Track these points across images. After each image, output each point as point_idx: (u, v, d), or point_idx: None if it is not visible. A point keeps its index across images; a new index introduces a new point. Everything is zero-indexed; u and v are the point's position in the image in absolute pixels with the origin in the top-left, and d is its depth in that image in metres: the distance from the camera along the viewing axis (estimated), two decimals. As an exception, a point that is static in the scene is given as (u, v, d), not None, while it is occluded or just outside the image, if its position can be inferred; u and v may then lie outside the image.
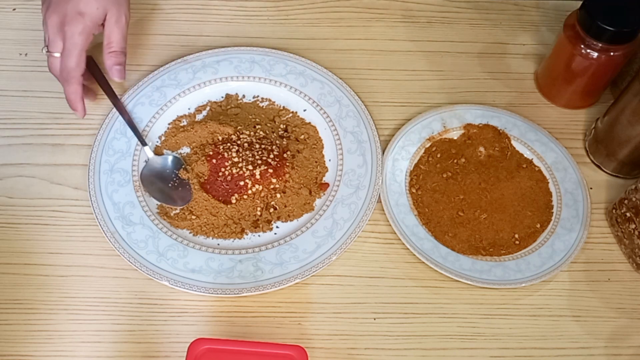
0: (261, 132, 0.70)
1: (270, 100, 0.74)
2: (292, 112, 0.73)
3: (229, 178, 0.66)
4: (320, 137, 0.72)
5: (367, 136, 0.71)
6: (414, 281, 0.64)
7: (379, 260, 0.65)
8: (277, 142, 0.70)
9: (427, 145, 0.71)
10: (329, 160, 0.70)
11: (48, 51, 0.66)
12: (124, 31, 0.68)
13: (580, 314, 0.63)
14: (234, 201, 0.66)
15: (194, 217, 0.65)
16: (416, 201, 0.67)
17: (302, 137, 0.71)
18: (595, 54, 0.67)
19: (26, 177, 0.68)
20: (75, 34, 0.65)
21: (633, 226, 0.64)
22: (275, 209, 0.66)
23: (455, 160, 0.70)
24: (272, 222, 0.66)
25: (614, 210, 0.67)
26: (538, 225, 0.67)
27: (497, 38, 0.81)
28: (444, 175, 0.69)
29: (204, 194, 0.66)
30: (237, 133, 0.69)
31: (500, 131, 0.72)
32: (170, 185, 0.67)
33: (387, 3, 0.83)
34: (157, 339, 0.60)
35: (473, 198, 0.68)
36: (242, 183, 0.66)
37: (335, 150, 0.70)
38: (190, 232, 0.65)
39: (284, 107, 0.74)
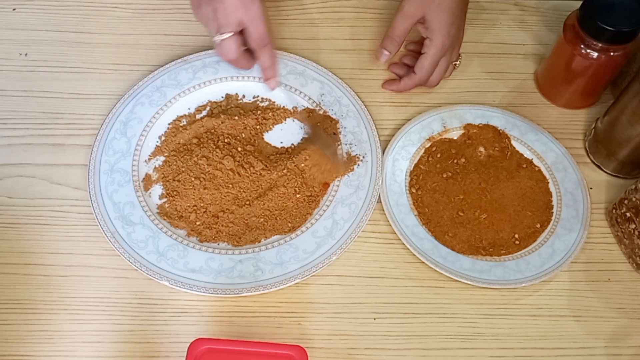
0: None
1: (270, 100, 0.74)
2: (292, 112, 0.74)
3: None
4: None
5: (367, 136, 0.71)
6: (414, 281, 0.64)
7: (379, 260, 0.65)
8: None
9: (427, 145, 0.71)
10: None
11: (220, 35, 0.66)
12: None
13: (580, 314, 0.63)
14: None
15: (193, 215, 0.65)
16: (416, 201, 0.67)
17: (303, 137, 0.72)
18: (595, 54, 0.67)
19: (26, 177, 0.68)
20: (252, 4, 0.65)
21: (633, 226, 0.64)
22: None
23: (455, 160, 0.70)
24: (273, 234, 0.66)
25: (614, 210, 0.67)
26: (538, 225, 0.67)
27: (497, 38, 0.81)
28: (444, 175, 0.69)
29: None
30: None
31: (500, 131, 0.72)
32: None
33: (387, 3, 0.83)
34: (157, 339, 0.60)
35: (473, 198, 0.68)
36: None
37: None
38: (187, 232, 0.65)
39: (284, 107, 0.74)
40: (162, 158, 0.69)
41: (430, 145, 0.71)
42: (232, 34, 0.66)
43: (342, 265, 0.64)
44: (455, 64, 0.75)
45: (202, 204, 0.66)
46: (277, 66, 0.71)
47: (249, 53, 0.70)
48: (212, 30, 0.67)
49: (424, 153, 0.71)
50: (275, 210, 0.66)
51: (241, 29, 0.66)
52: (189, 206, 0.66)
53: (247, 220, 0.65)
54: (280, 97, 0.74)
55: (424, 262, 0.64)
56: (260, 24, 0.66)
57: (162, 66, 0.75)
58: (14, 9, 0.80)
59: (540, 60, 0.79)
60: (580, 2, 0.67)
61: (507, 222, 0.67)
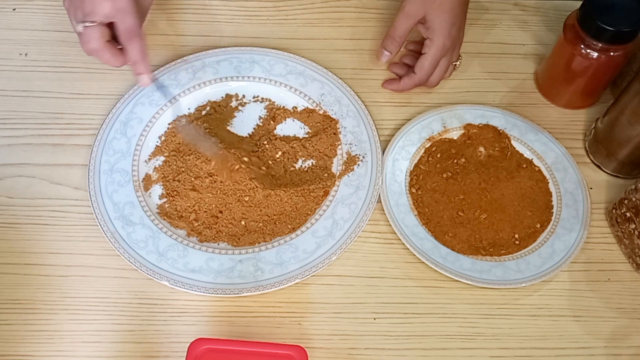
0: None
1: (270, 100, 0.74)
2: (292, 112, 0.74)
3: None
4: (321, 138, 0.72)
5: (367, 136, 0.71)
6: (414, 281, 0.64)
7: (379, 260, 0.65)
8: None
9: (427, 145, 0.71)
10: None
11: (83, 23, 0.62)
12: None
13: (580, 314, 0.63)
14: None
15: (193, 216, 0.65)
16: (416, 201, 0.67)
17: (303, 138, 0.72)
18: (595, 54, 0.67)
19: (26, 177, 0.68)
20: None
21: (633, 226, 0.64)
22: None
23: (455, 160, 0.70)
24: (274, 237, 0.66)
25: (614, 210, 0.67)
26: (538, 225, 0.67)
27: (497, 38, 0.81)
28: (444, 175, 0.69)
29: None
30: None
31: (500, 131, 0.72)
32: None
33: (387, 3, 0.83)
34: (157, 339, 0.60)
35: (473, 198, 0.68)
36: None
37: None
38: (187, 232, 0.65)
39: (283, 107, 0.74)
40: (162, 158, 0.69)
41: (430, 145, 0.71)
42: (95, 23, 0.61)
43: (342, 265, 0.64)
44: (455, 65, 0.75)
45: (202, 204, 0.66)
46: (147, 61, 0.64)
47: (119, 49, 0.65)
48: (78, 19, 0.62)
49: (424, 153, 0.71)
50: (274, 215, 0.66)
51: (108, 21, 0.62)
52: (189, 206, 0.66)
53: (246, 224, 0.65)
54: (280, 97, 0.74)
55: (424, 262, 0.64)
56: (129, 16, 0.61)
57: (162, 66, 0.75)
58: (14, 9, 0.80)
59: (540, 60, 0.79)
60: (580, 2, 0.67)
61: (507, 222, 0.67)
